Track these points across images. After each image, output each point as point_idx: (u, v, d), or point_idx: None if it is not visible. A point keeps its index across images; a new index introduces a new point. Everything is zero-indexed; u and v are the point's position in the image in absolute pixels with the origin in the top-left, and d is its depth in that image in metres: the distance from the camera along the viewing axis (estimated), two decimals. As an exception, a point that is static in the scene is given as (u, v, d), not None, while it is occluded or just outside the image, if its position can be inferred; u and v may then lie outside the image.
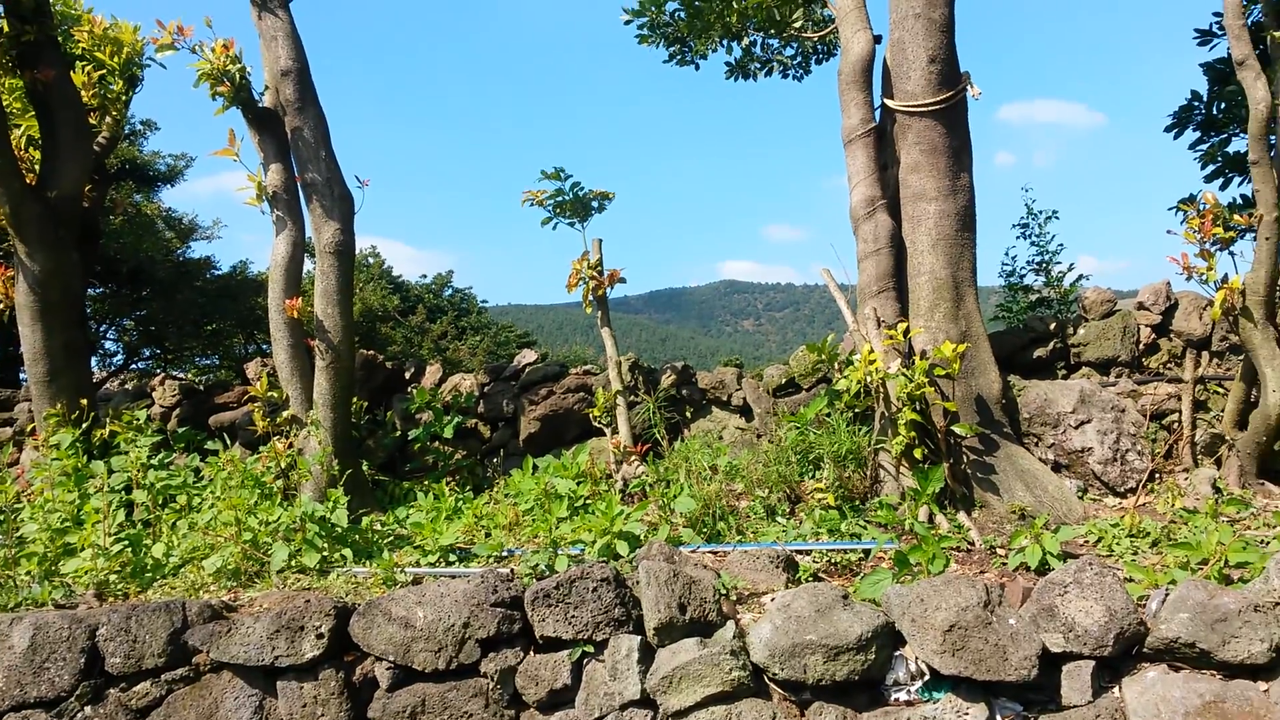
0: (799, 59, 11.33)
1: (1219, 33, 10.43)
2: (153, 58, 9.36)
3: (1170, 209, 10.14)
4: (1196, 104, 9.63)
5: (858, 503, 6.68)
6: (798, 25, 9.51)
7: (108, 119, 9.39)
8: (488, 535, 6.84)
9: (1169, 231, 6.96)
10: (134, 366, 21.04)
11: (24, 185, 7.95)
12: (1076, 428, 7.05)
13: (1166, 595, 4.60)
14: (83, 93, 8.80)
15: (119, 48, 9.14)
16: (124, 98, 9.44)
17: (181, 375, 12.96)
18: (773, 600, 5.17)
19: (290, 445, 7.37)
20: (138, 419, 7.70)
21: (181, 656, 4.94)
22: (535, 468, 7.74)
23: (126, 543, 6.25)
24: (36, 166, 8.65)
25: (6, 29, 8.06)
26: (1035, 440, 7.21)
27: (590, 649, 4.85)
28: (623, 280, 8.40)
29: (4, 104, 8.07)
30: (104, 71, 9.19)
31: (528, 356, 9.40)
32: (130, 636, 4.88)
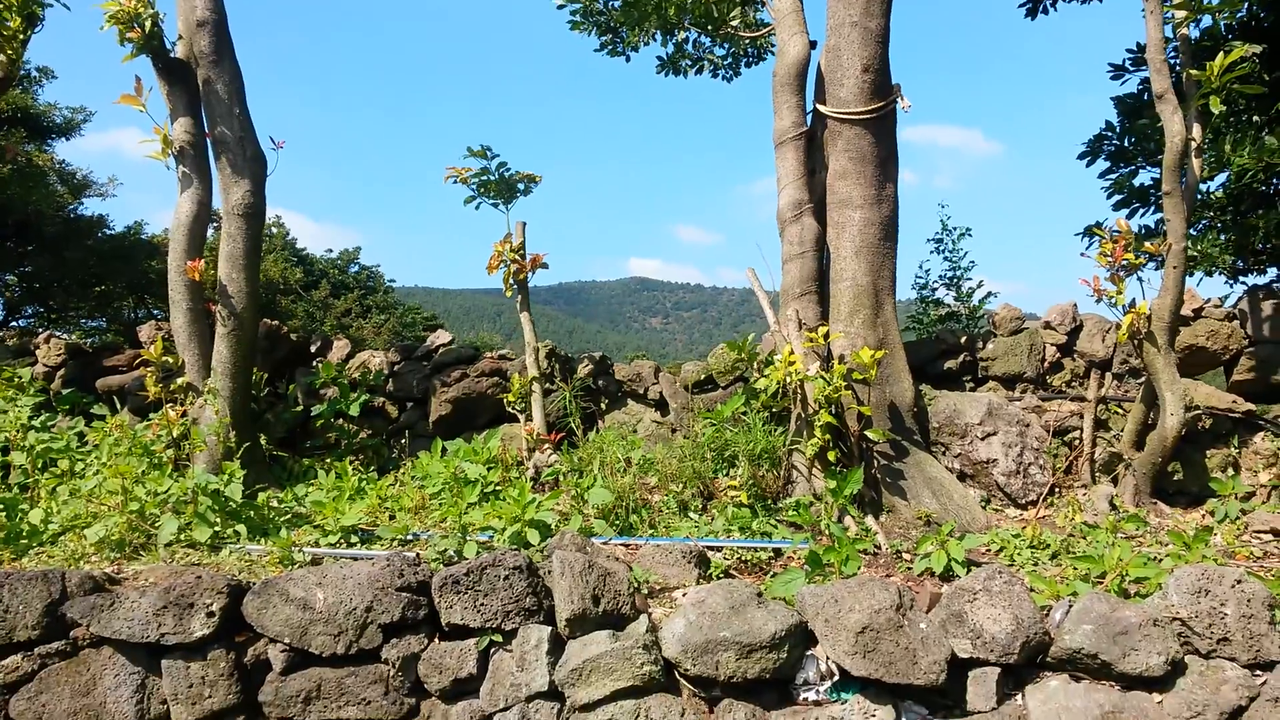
0: (729, 60, 11.35)
1: (1131, 69, 10.84)
2: (56, -4, 8.80)
3: (1076, 234, 10.49)
4: (1109, 135, 9.96)
5: (770, 502, 6.69)
6: (734, 24, 9.50)
7: (1, 58, 8.77)
8: (392, 518, 6.62)
9: (1083, 254, 7.17)
10: (14, 324, 19.90)
11: (-97, 119, 7.37)
12: (983, 439, 7.20)
13: (1070, 606, 4.70)
14: (-26, 27, 8.20)
15: (18, -19, 8.55)
16: (21, 36, 8.81)
17: (65, 336, 12.26)
18: (685, 595, 5.13)
19: (184, 414, 7.01)
20: (20, 377, 7.22)
21: (58, 629, 4.63)
22: (444, 450, 7.53)
23: (1, 507, 5.84)
24: (-81, 100, 8.04)
25: (-109, -52, 7.45)
26: (943, 449, 7.34)
27: (499, 638, 4.73)
28: (545, 266, 8.24)
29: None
30: (1, 7, 8.58)
31: (442, 337, 9.15)
32: (2, 606, 4.55)
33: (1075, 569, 5.52)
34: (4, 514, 5.83)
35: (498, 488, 6.91)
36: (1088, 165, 10.07)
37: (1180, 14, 6.96)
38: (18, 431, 6.61)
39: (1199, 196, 9.66)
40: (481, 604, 4.72)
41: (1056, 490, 7.23)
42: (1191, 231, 9.71)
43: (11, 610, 4.56)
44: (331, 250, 36.85)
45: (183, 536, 5.74)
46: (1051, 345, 8.37)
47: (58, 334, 9.82)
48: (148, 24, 7.18)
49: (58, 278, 18.92)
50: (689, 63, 11.26)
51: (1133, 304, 6.92)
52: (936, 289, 11.75)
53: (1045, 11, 11.79)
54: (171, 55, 7.46)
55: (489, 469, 7.14)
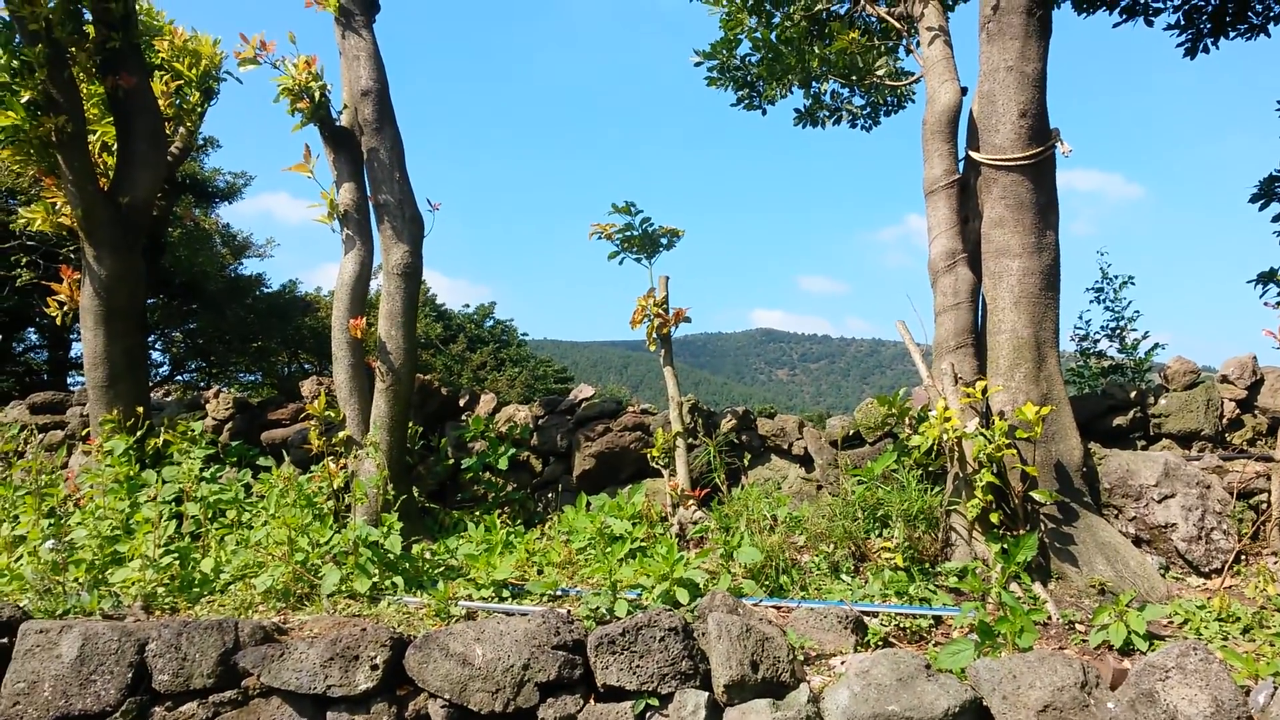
0: (868, 109, 11.21)
1: (1305, 105, 10.21)
2: (229, 72, 9.44)
3: (1249, 282, 9.85)
4: (1284, 176, 9.39)
5: (927, 565, 6.41)
6: (880, 74, 9.39)
7: (182, 130, 9.44)
8: (540, 572, 6.64)
9: (1264, 303, 6.71)
10: (178, 378, 21.19)
11: (97, 189, 7.97)
12: (1160, 502, 6.74)
13: (1275, 688, 4.29)
14: (160, 102, 8.85)
15: (197, 60, 9.22)
16: (199, 109, 9.50)
17: (228, 389, 12.96)
18: (844, 664, 4.93)
19: (344, 466, 7.24)
20: (192, 430, 7.60)
21: (231, 678, 4.76)
22: (589, 505, 7.54)
23: (175, 555, 6.12)
24: (110, 172, 8.68)
25: (93, 35, 8.13)
26: (1115, 512, 6.90)
27: (654, 702, 4.62)
28: (688, 320, 8.23)
29: (83, 109, 8.12)
30: (181, 82, 9.26)
31: (585, 391, 9.23)
32: (180, 654, 4.72)
33: (1274, 646, 5.06)
34: (179, 562, 6.11)
35: (643, 544, 6.85)
36: (1260, 209, 9.49)
37: (1372, 46, 6.50)
38: (191, 483, 6.93)
39: (1391, 239, 8.94)
40: (637, 666, 4.63)
41: (1242, 558, 6.68)
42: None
43: (189, 658, 4.73)
44: (468, 305, 38.04)
45: (344, 587, 5.88)
46: (1230, 400, 7.82)
47: (225, 389, 10.37)
48: (316, 95, 7.59)
49: (219, 334, 20.08)
50: (826, 113, 11.18)
51: (1326, 357, 6.40)
52: (1098, 340, 11.18)
53: (1205, 50, 11.27)
54: (337, 124, 7.86)
55: (634, 525, 7.10)
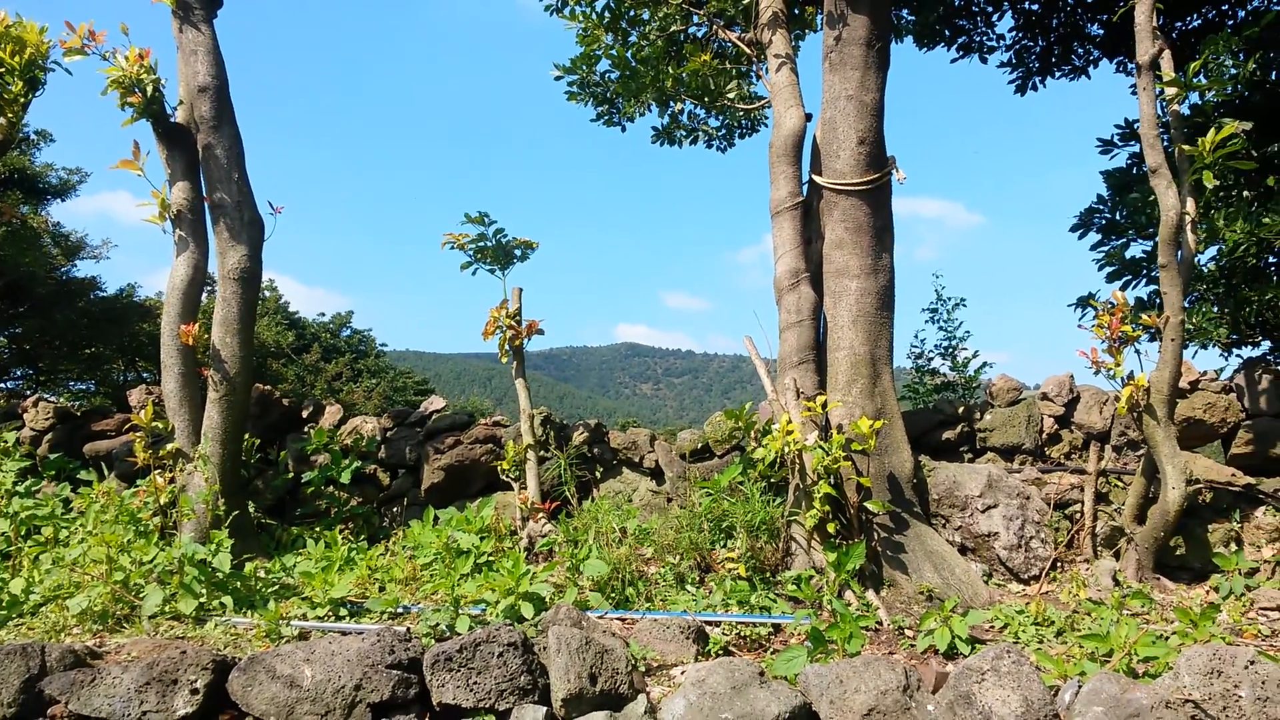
0: (724, 131, 11.49)
1: (1119, 144, 11.00)
2: (58, 62, 8.86)
3: (1069, 305, 10.53)
4: (1100, 208, 10.06)
5: (769, 574, 6.56)
6: (730, 96, 9.63)
7: (1, 121, 8.81)
8: (382, 589, 6.47)
9: (1080, 326, 7.17)
10: (2, 386, 19.73)
11: (-100, 181, 7.36)
12: (984, 512, 7.11)
13: (1079, 687, 4.57)
14: (-24, 91, 8.25)
15: (21, 47, 8.61)
16: (22, 100, 8.87)
17: (54, 398, 12.15)
18: (684, 673, 4.99)
19: (172, 480, 6.88)
20: (5, 441, 7.09)
21: (37, 707, 4.44)
22: (437, 519, 7.41)
23: (-20, 577, 5.69)
24: (-83, 163, 8.05)
25: (-102, 15, 7.52)
26: (943, 522, 7.25)
27: (492, 719, 4.56)
28: (541, 332, 8.20)
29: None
30: (2, 71, 8.64)
31: (435, 403, 9.07)
32: (-24, 683, 4.38)
33: (1082, 647, 5.39)
34: (-16, 584, 5.69)
35: (491, 558, 6.77)
36: (1080, 238, 10.16)
37: (1171, 91, 7.07)
38: (2, 497, 6.46)
39: (1192, 269, 9.72)
40: (474, 683, 4.56)
41: (1058, 564, 7.12)
42: (1185, 304, 9.74)
43: (-13, 686, 4.40)
44: (324, 314, 36.88)
45: (167, 608, 5.58)
46: (1049, 416, 8.33)
47: (46, 397, 9.70)
48: (149, 89, 7.23)
49: (48, 340, 18.80)
50: (684, 133, 11.38)
51: (1131, 376, 6.90)
52: (932, 359, 11.76)
53: (1035, 88, 12.02)
54: (172, 120, 7.50)
55: (482, 539, 7.00)
